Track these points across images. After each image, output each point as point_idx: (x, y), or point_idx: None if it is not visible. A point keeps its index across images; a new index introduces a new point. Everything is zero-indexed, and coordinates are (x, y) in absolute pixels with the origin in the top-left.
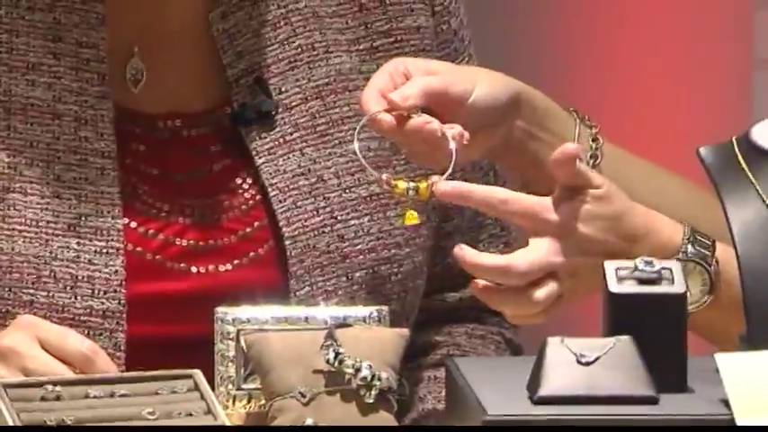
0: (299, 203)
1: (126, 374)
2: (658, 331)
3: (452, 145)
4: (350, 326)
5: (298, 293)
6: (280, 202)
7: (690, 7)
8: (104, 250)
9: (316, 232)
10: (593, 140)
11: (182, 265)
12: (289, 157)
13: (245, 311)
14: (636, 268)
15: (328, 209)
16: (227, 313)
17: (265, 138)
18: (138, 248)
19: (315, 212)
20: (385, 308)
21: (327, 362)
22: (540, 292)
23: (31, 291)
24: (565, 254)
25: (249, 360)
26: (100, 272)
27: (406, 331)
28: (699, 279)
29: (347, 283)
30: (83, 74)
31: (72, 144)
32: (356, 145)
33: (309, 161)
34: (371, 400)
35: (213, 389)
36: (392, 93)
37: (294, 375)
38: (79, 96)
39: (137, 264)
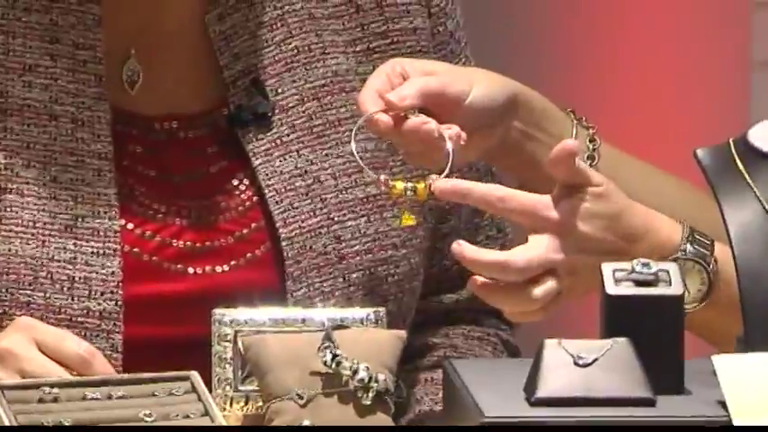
0: (296, 205)
1: (123, 376)
2: (655, 333)
3: (449, 145)
4: (347, 327)
5: (294, 294)
6: (276, 203)
7: (688, 8)
8: (101, 251)
9: (312, 233)
10: (590, 141)
11: (179, 266)
12: (285, 159)
13: (242, 313)
14: (633, 270)
15: (325, 210)
16: (225, 315)
17: (262, 139)
18: (135, 250)
19: (312, 214)
20: (382, 309)
21: (325, 363)
22: (539, 289)
23: (28, 292)
24: (564, 251)
25: (246, 362)
26: (97, 273)
27: (403, 333)
28: (698, 278)
29: (344, 284)
30: (79, 75)
31: (69, 145)
32: (353, 146)
33: (306, 162)
34: (369, 402)
35: (210, 390)
36: (389, 93)
37: (291, 377)
38: (76, 98)
39: (134, 265)
